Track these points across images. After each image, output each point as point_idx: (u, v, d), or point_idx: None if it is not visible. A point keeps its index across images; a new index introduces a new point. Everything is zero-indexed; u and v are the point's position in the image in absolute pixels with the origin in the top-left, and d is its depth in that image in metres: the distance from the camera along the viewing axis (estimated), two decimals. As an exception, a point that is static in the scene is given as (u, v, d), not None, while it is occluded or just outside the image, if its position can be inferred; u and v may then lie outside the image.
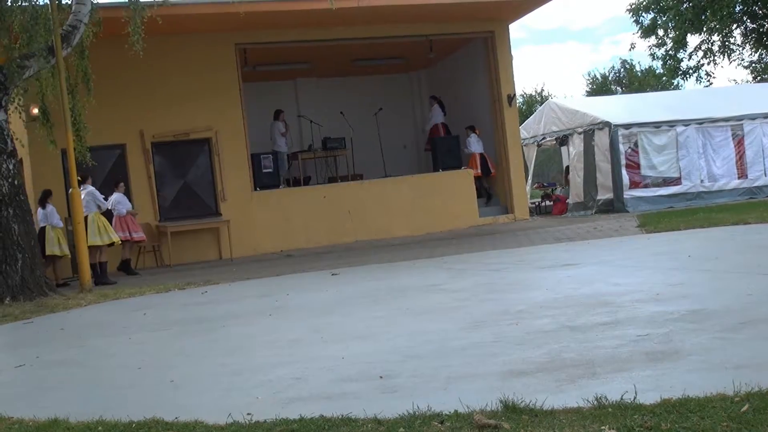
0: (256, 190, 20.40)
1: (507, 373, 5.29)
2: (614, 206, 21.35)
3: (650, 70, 56.59)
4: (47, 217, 16.61)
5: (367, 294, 10.40)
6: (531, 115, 29.30)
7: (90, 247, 15.89)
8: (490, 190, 23.06)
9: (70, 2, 15.24)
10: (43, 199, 16.71)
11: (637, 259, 11.29)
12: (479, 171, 22.65)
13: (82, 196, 16.04)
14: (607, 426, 3.96)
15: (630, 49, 49.37)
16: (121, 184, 17.93)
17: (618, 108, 23.79)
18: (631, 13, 38.09)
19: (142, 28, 14.80)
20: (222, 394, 5.65)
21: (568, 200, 23.70)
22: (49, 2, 14.58)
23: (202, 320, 9.57)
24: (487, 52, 22.69)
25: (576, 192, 22.95)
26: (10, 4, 14.12)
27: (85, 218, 15.98)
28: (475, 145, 22.86)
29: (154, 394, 5.89)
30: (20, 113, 15.90)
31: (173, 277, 15.55)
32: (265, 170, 20.71)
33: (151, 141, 19.55)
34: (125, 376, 6.73)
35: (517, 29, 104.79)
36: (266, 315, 9.44)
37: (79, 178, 16.16)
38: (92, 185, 16.81)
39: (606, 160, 21.67)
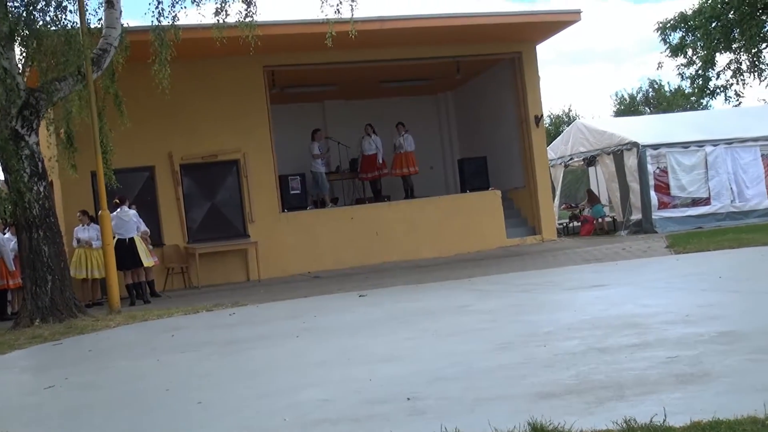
0: (284, 211, 20.42)
1: (535, 395, 5.26)
2: (643, 227, 21.24)
3: (679, 90, 56.25)
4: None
5: (395, 315, 10.39)
6: (558, 136, 29.24)
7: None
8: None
9: (100, 26, 15.40)
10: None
11: (666, 280, 11.22)
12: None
13: (132, 218, 16.32)
14: (637, 449, 3.94)
15: (658, 69, 48.99)
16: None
17: (646, 128, 23.72)
18: (659, 33, 37.88)
19: (167, 61, 14.94)
20: (250, 415, 5.65)
21: (597, 219, 23.69)
22: (79, 26, 14.75)
23: (230, 342, 9.59)
24: (514, 73, 22.67)
25: (618, 211, 22.92)
26: (42, 28, 14.26)
27: (134, 239, 16.31)
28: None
29: (181, 416, 5.91)
30: (53, 135, 16.06)
31: (201, 299, 15.60)
32: (293, 192, 20.73)
33: (179, 163, 19.64)
34: (153, 398, 6.75)
35: (544, 50, 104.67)
36: (293, 337, 9.45)
37: (117, 201, 16.32)
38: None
39: (635, 181, 21.59)
